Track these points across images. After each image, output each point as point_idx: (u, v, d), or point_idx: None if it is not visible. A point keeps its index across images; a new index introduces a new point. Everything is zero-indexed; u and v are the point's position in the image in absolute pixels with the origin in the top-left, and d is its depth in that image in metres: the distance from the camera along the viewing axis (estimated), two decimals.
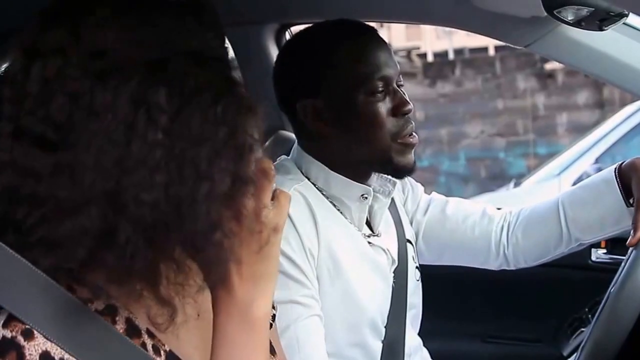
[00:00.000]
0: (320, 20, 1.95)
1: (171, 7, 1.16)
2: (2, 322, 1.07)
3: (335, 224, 1.86)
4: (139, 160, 1.06)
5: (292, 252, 1.75)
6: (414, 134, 1.87)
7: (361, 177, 1.90)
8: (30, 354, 1.05)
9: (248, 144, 1.12)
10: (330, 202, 1.88)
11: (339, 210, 1.88)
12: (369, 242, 1.92)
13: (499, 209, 2.19)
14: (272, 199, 1.16)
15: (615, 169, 1.99)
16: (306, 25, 1.98)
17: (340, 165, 1.88)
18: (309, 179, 1.88)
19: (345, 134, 1.85)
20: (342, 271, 1.82)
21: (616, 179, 1.97)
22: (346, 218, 1.89)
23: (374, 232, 1.96)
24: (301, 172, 1.90)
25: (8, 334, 1.06)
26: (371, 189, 1.90)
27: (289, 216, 1.73)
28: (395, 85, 1.86)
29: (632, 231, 1.88)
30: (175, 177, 1.06)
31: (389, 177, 1.95)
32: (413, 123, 1.87)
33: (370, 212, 1.95)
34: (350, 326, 1.85)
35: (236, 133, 1.11)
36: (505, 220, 2.15)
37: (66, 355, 1.07)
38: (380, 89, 1.82)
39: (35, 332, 1.06)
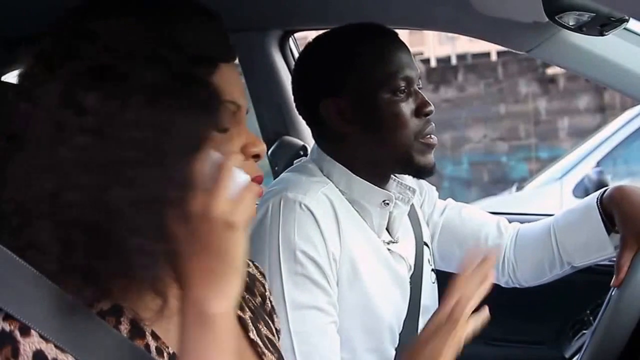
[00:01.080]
0: (323, 27, 1.95)
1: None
2: (2, 316, 1.07)
3: (357, 229, 1.85)
4: (70, 163, 1.07)
5: (319, 256, 1.74)
6: (434, 135, 1.87)
7: (381, 180, 1.90)
8: (24, 351, 1.05)
9: (190, 145, 1.11)
10: (352, 206, 1.87)
11: (360, 215, 1.87)
12: (389, 249, 1.91)
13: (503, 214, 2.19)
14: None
15: (598, 198, 1.98)
16: (325, 30, 1.98)
17: (361, 166, 1.87)
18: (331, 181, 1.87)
19: (367, 133, 1.84)
20: (361, 276, 1.81)
21: (598, 208, 1.97)
22: (366, 223, 1.88)
23: (393, 238, 1.95)
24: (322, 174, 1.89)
25: (7, 327, 1.06)
26: (393, 195, 1.90)
27: (316, 220, 1.73)
28: (416, 87, 1.86)
29: (615, 271, 1.88)
30: (102, 181, 1.06)
31: (408, 184, 1.94)
32: (434, 124, 1.87)
33: (389, 219, 1.94)
34: (367, 331, 1.84)
35: (171, 134, 1.09)
36: (511, 237, 2.15)
37: (60, 356, 1.06)
38: (402, 88, 1.83)
39: (32, 330, 1.06)
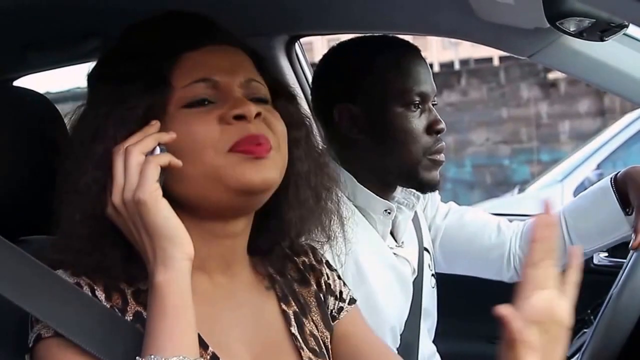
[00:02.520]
0: (328, 32, 1.96)
1: None
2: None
3: (362, 232, 1.83)
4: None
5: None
6: (442, 153, 1.87)
7: (386, 190, 1.89)
8: None
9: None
10: (358, 211, 1.86)
11: (366, 219, 1.87)
12: (394, 253, 1.91)
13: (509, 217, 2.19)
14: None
15: (611, 178, 1.98)
16: (352, 36, 2.00)
17: (367, 175, 1.86)
18: None
19: (377, 143, 1.84)
20: (366, 278, 1.80)
21: (612, 188, 1.97)
22: (372, 227, 1.88)
23: (397, 243, 1.95)
24: None
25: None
26: (394, 205, 1.90)
27: None
28: (430, 104, 1.86)
29: (633, 235, 1.88)
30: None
31: (413, 190, 1.94)
32: (444, 143, 1.87)
33: (394, 223, 1.94)
34: None
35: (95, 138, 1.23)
36: (514, 233, 2.14)
37: None
38: (417, 103, 1.83)
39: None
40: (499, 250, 2.14)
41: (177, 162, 1.21)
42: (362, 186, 1.85)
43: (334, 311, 1.45)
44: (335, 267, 1.53)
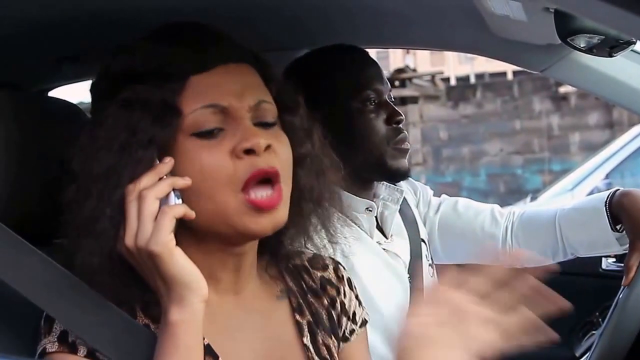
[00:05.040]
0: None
1: None
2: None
3: (348, 231, 1.82)
4: None
5: None
6: (407, 141, 1.88)
7: (364, 188, 1.89)
8: None
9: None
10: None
11: (350, 219, 1.86)
12: (384, 249, 1.91)
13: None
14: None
15: (606, 201, 1.94)
16: None
17: (343, 176, 1.86)
18: None
19: (343, 142, 1.83)
20: (357, 274, 1.78)
21: (606, 211, 1.93)
22: (358, 226, 1.88)
23: (386, 238, 1.95)
24: None
25: None
26: (377, 202, 1.91)
27: None
28: (386, 99, 1.88)
29: (624, 272, 1.85)
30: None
31: (396, 186, 1.94)
32: (406, 132, 1.88)
33: (381, 219, 1.94)
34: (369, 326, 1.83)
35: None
36: (509, 221, 2.13)
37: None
38: (372, 98, 1.85)
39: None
40: (493, 238, 2.11)
41: (191, 214, 1.16)
42: (341, 190, 1.86)
43: (346, 332, 1.41)
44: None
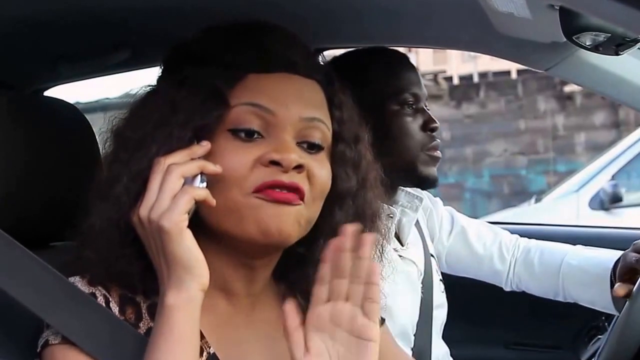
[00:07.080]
0: (352, 45, 1.97)
1: None
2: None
3: None
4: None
5: None
6: (439, 150, 1.91)
7: (387, 193, 1.89)
8: None
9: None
10: None
11: None
12: (400, 256, 1.91)
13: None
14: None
15: (612, 273, 1.95)
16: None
17: None
18: None
19: (376, 142, 1.84)
20: None
21: (611, 278, 1.95)
22: None
23: (402, 245, 1.95)
24: None
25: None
26: (397, 209, 1.92)
27: None
28: (423, 106, 1.90)
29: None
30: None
31: (416, 193, 1.95)
32: (439, 141, 1.90)
33: (399, 226, 1.95)
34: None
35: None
36: (513, 257, 2.18)
37: None
38: (410, 102, 1.88)
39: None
40: (497, 276, 2.20)
41: (212, 201, 1.15)
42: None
43: None
44: None
